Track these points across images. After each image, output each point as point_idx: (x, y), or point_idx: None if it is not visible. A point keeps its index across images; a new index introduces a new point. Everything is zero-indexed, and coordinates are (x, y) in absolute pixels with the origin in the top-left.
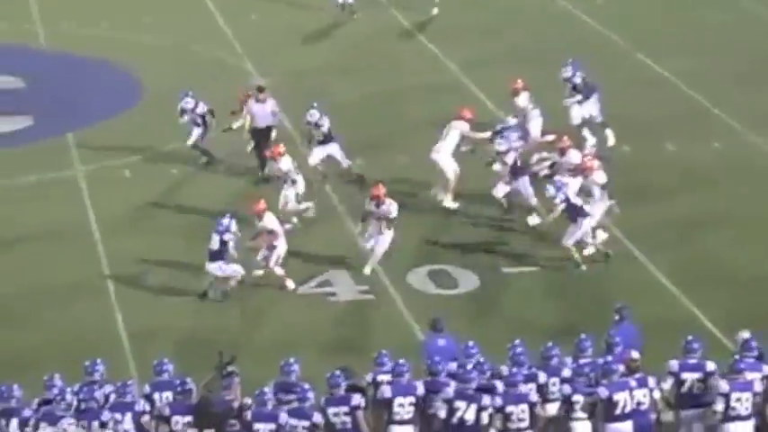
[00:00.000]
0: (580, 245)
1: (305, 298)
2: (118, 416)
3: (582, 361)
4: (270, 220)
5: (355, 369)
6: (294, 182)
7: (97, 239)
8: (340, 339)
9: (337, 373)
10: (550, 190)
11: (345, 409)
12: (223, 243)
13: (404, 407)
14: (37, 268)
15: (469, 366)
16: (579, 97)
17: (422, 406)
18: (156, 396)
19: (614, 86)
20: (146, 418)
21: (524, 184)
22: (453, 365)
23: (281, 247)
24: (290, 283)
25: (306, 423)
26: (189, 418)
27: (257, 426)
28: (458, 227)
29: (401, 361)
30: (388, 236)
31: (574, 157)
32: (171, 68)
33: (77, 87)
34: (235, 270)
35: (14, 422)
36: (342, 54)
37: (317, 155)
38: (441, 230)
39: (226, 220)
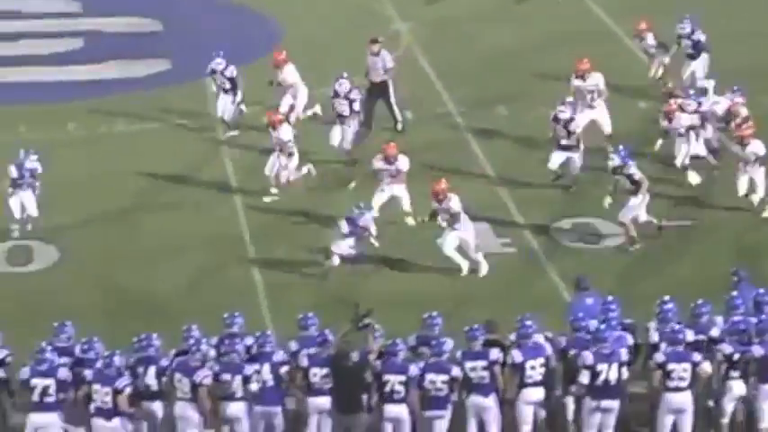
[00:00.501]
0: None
1: None
2: (257, 366)
3: (734, 319)
4: (403, 162)
5: (498, 324)
6: (291, 154)
7: (235, 189)
8: (480, 292)
9: (476, 326)
10: (615, 160)
11: (483, 363)
12: (350, 234)
13: (535, 369)
14: (174, 219)
15: (603, 326)
16: (691, 51)
17: (552, 366)
18: (305, 351)
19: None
20: (284, 368)
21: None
22: (594, 323)
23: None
24: (411, 220)
25: (444, 377)
26: (326, 370)
27: (387, 377)
28: (605, 178)
29: (528, 323)
30: (468, 226)
31: (684, 120)
32: (311, 12)
33: (216, 31)
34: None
35: (152, 370)
36: (485, 0)
37: (337, 134)
38: (586, 182)
39: (368, 215)
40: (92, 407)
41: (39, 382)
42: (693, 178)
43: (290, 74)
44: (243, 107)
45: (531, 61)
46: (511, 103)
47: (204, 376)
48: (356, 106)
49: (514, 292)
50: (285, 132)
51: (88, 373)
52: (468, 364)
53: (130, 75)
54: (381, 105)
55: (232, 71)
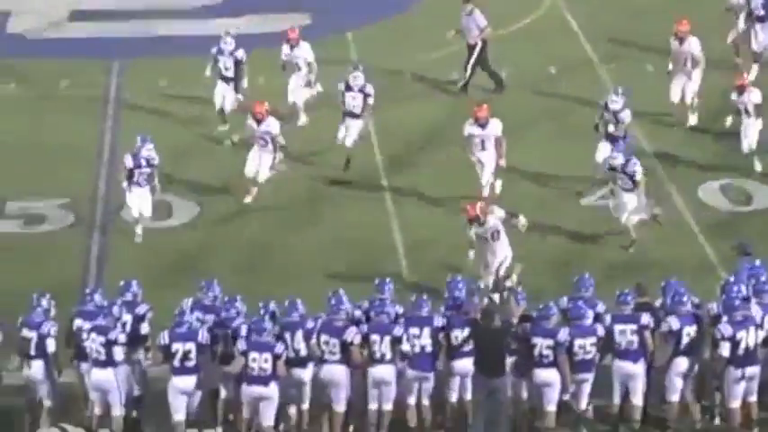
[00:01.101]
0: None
1: (588, 210)
2: (415, 330)
3: None
4: (495, 125)
5: (647, 287)
6: (279, 148)
7: (374, 144)
8: (626, 254)
9: (627, 291)
10: (618, 158)
11: (633, 327)
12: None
13: (690, 336)
14: (315, 169)
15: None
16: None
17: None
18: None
19: None
20: (442, 333)
21: None
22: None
23: None
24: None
25: (593, 339)
26: (467, 332)
27: (535, 340)
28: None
29: (681, 289)
30: (504, 244)
31: (755, 96)
32: None
33: None
34: None
35: (299, 334)
36: None
37: (353, 132)
38: (733, 142)
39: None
40: (231, 369)
41: (179, 347)
42: (758, 165)
43: (306, 52)
44: (240, 96)
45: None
46: (656, 59)
47: (355, 333)
48: (371, 101)
49: (662, 255)
50: (274, 125)
51: (241, 344)
52: (618, 328)
53: (270, 29)
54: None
55: (242, 55)
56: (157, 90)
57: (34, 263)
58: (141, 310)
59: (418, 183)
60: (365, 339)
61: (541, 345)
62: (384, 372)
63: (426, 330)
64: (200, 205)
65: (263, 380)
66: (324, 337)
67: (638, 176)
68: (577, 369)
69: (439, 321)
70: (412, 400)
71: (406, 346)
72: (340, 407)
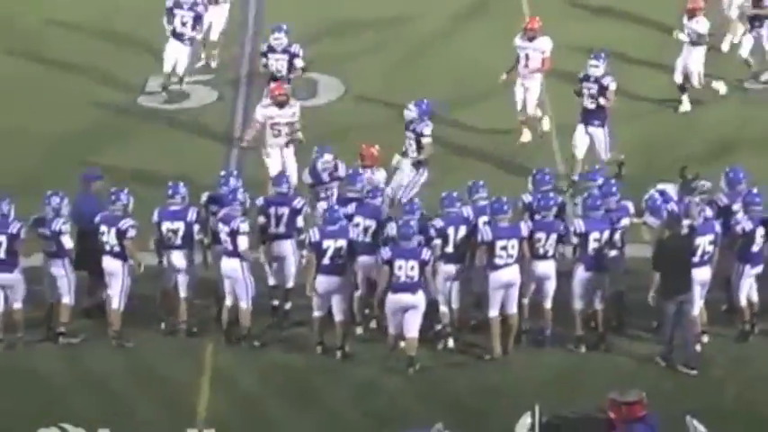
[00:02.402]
0: None
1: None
2: (596, 235)
3: None
4: (545, 42)
5: None
6: (296, 141)
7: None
8: None
9: None
10: (412, 111)
11: None
12: None
13: None
14: (460, 52)
15: None
16: None
17: None
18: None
19: None
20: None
21: None
22: None
23: None
24: (546, 124)
25: (762, 231)
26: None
27: (698, 240)
28: None
29: None
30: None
31: (699, 25)
32: None
33: None
34: None
35: (463, 229)
36: None
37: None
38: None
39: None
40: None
41: (330, 244)
42: (685, 105)
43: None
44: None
45: None
46: None
47: (528, 228)
48: (298, 63)
49: None
50: (298, 109)
51: (385, 252)
52: None
53: None
54: None
55: (203, 9)
56: None
57: (176, 142)
58: (298, 204)
59: None
60: (530, 237)
61: (704, 243)
62: (546, 267)
63: (606, 232)
64: (345, 83)
65: (411, 287)
66: (501, 243)
67: (426, 140)
68: (755, 261)
69: (624, 222)
70: (598, 305)
71: (563, 247)
72: (514, 309)
